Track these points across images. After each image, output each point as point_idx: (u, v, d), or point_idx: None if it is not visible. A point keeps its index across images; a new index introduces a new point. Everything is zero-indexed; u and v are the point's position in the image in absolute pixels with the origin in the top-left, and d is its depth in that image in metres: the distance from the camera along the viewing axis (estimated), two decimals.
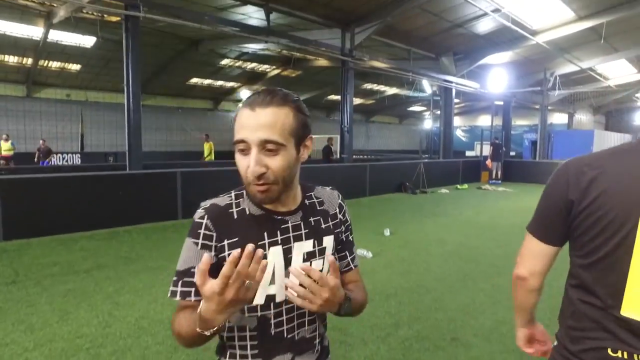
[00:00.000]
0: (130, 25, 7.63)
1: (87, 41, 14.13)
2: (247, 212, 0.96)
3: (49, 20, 11.97)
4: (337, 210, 1.10)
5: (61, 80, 18.30)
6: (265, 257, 0.86)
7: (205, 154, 15.64)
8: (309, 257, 0.99)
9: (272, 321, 0.96)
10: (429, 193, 12.06)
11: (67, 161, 17.79)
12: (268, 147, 0.85)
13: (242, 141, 0.86)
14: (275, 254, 0.94)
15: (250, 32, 10.48)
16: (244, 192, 0.97)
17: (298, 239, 0.98)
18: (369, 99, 27.49)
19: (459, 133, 35.12)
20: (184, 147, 22.26)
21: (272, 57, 17.45)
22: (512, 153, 22.96)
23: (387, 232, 6.58)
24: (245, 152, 0.87)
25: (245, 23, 11.22)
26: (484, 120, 31.54)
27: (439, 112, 17.67)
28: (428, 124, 30.67)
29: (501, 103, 20.17)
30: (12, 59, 15.62)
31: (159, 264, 4.91)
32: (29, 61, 15.86)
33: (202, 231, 0.91)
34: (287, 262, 0.96)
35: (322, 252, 1.02)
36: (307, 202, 1.04)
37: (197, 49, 15.29)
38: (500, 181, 15.26)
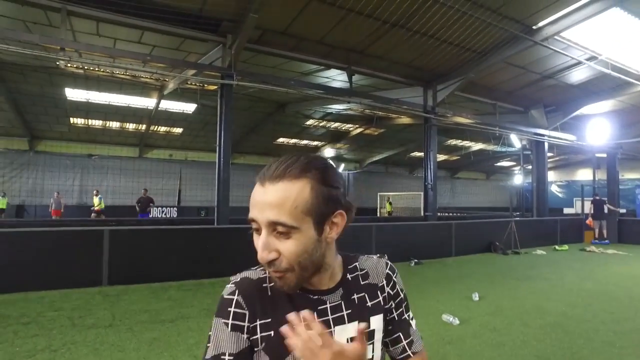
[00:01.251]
0: (225, 92, 8.47)
1: (189, 107, 15.92)
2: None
3: (160, 92, 13.82)
4: (385, 282, 0.94)
5: (166, 142, 20.67)
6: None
7: None
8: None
9: None
10: (522, 254, 11.00)
11: (165, 214, 19.58)
12: (278, 229, 0.73)
13: (253, 220, 0.76)
14: None
15: (334, 94, 11.01)
16: None
17: (339, 322, 0.84)
18: (454, 154, 26.77)
19: (554, 189, 32.29)
20: None
21: (355, 116, 18.02)
22: (623, 210, 20.34)
23: (475, 297, 6.04)
24: (259, 231, 0.76)
25: (329, 86, 11.84)
26: (584, 175, 28.83)
27: (530, 167, 16.51)
28: (518, 179, 28.71)
29: (604, 155, 18.29)
30: (131, 126, 18.19)
31: None
32: (142, 127, 18.28)
33: (232, 309, 0.79)
34: None
35: (370, 336, 0.88)
36: (349, 276, 0.90)
37: (284, 111, 16.38)
38: (608, 241, 13.49)
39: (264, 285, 0.83)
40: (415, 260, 9.16)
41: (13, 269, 5.84)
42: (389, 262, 0.98)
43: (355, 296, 0.88)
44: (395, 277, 0.96)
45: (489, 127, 13.67)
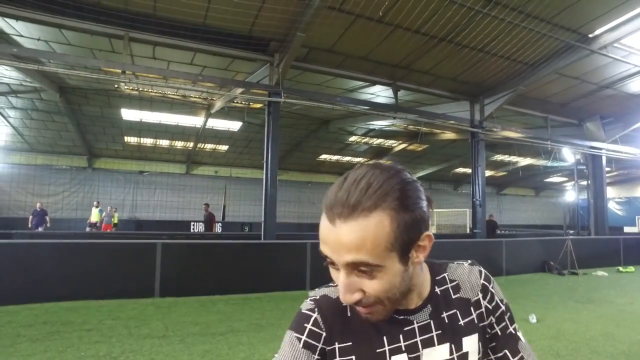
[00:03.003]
0: (272, 110, 8.67)
1: (235, 126, 16.41)
2: None
3: (208, 111, 14.36)
4: (481, 295, 0.82)
5: (212, 159, 21.37)
6: None
7: None
8: None
9: None
10: (580, 275, 10.31)
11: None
12: (360, 268, 0.65)
13: (326, 257, 0.68)
14: None
15: (380, 109, 11.00)
16: None
17: (428, 344, 0.75)
18: (500, 170, 25.86)
19: (612, 206, 30.26)
20: (313, 220, 23.32)
21: (398, 132, 17.88)
22: None
23: (532, 319, 5.70)
24: (335, 265, 0.68)
25: (374, 102, 11.85)
26: None
27: (584, 182, 15.61)
28: (571, 195, 27.20)
29: None
30: (179, 144, 18.99)
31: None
32: (190, 145, 19.02)
33: (309, 326, 0.73)
34: None
35: (463, 359, 0.77)
36: (438, 290, 0.80)
37: (327, 128, 16.53)
38: None
39: (345, 306, 0.75)
40: None
41: (77, 278, 6.17)
42: (483, 270, 0.86)
43: (445, 314, 0.78)
44: (492, 287, 0.84)
45: (539, 141, 13.11)
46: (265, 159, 8.68)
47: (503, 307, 0.85)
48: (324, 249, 0.66)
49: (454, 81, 10.86)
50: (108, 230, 15.93)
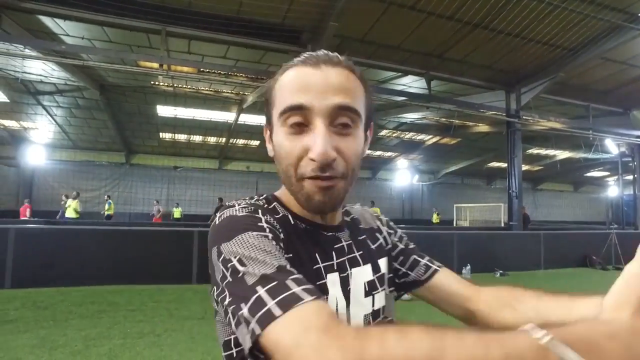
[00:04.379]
0: None
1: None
2: (292, 222, 0.67)
3: (240, 106, 14.59)
4: (379, 223, 0.85)
5: (244, 154, 21.71)
6: (325, 289, 0.64)
7: None
8: (370, 288, 0.72)
9: None
10: None
11: None
12: (341, 120, 0.60)
13: (301, 107, 0.60)
14: (333, 284, 0.66)
15: (414, 99, 10.85)
16: (269, 197, 0.71)
17: (355, 263, 0.71)
18: (536, 165, 25.00)
19: None
20: None
21: (430, 125, 17.61)
22: None
23: None
24: (301, 128, 0.60)
25: (407, 92, 11.72)
26: None
27: (631, 176, 14.88)
28: (614, 191, 25.99)
29: None
30: (212, 139, 19.40)
31: None
32: (223, 140, 19.40)
33: (264, 224, 0.59)
34: (346, 297, 0.67)
35: (381, 280, 0.75)
36: (346, 218, 0.78)
37: None
38: None
39: (277, 215, 0.66)
40: (501, 272, 8.61)
41: (120, 263, 6.44)
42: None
43: (359, 238, 0.76)
44: (383, 216, 0.90)
45: (580, 132, 12.59)
46: None
47: (400, 231, 0.88)
48: (302, 97, 0.59)
49: (489, 69, 10.57)
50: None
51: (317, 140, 0.58)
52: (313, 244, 0.66)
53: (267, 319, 0.45)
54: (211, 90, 13.20)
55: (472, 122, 15.43)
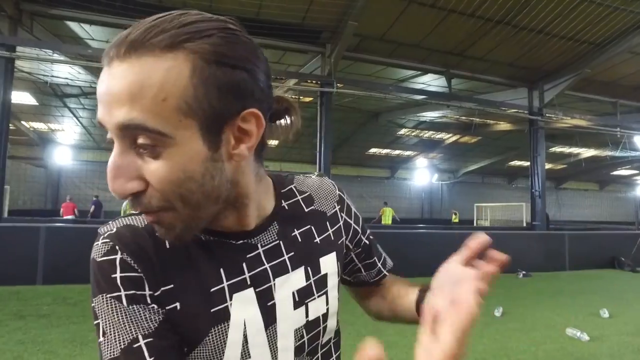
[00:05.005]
0: (324, 101, 8.74)
1: None
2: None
3: None
4: (338, 207, 0.71)
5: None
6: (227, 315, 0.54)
7: (385, 219, 16.95)
8: (301, 297, 0.61)
9: None
10: None
11: None
12: (140, 141, 0.44)
13: (102, 125, 0.46)
14: (243, 303, 0.55)
15: (433, 97, 10.75)
16: None
17: (280, 271, 0.59)
18: (559, 163, 24.41)
19: None
20: (362, 214, 23.11)
21: (450, 124, 17.40)
22: None
23: (604, 313, 5.35)
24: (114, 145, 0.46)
25: (427, 90, 11.61)
26: None
27: None
28: None
29: None
30: None
31: None
32: None
33: (117, 275, 0.50)
34: (268, 314, 0.57)
35: (321, 283, 0.64)
36: (285, 204, 0.64)
37: (377, 121, 16.39)
38: None
39: (155, 233, 0.52)
40: (524, 272, 8.45)
41: None
42: (336, 184, 0.74)
43: (296, 232, 0.63)
44: (347, 198, 0.74)
45: (607, 129, 12.23)
46: (317, 150, 8.77)
47: (360, 219, 0.76)
48: (99, 112, 0.45)
49: (510, 67, 10.38)
50: None
51: (108, 169, 0.45)
52: (217, 258, 0.55)
53: None
54: None
55: (493, 120, 15.16)
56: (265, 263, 0.58)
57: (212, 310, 0.53)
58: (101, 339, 0.49)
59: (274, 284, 0.58)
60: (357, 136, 18.66)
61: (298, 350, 0.60)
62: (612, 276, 8.98)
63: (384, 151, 22.07)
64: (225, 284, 0.54)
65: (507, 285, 7.22)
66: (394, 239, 8.26)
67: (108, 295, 0.49)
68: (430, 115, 15.38)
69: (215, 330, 0.53)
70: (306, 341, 0.61)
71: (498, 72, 10.77)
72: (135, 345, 0.48)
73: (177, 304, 0.52)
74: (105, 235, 0.53)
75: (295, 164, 22.51)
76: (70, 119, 16.83)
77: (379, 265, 0.78)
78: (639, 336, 4.51)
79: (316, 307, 0.62)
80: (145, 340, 0.48)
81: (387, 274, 0.79)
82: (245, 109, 0.48)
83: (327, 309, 0.64)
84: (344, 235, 0.71)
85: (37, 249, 6.11)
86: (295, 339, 0.59)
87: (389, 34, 8.80)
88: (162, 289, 0.51)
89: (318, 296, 0.63)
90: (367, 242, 0.76)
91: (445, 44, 9.31)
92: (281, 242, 0.61)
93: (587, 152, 21.67)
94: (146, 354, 0.47)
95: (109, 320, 0.49)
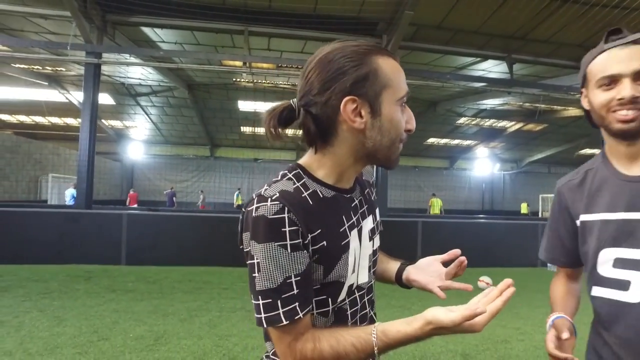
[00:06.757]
0: None
1: None
2: (321, 195, 0.78)
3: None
4: (373, 176, 1.02)
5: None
6: (346, 244, 0.80)
7: (433, 210, 17.00)
8: (372, 234, 0.89)
9: (349, 311, 0.84)
10: None
11: None
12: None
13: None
14: (354, 237, 0.81)
15: (493, 84, 10.41)
16: (300, 171, 0.80)
17: (363, 216, 0.87)
18: None
19: None
20: (419, 205, 22.83)
21: (512, 111, 16.63)
22: None
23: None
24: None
25: (487, 77, 11.25)
26: None
27: None
28: None
29: None
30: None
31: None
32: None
33: (287, 229, 0.70)
34: (361, 244, 0.84)
35: (377, 226, 0.94)
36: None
37: (435, 110, 16.07)
38: None
39: (303, 195, 0.75)
40: None
41: (212, 247, 7.09)
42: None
43: (366, 191, 0.92)
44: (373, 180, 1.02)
45: None
46: None
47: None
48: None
49: (580, 48, 9.72)
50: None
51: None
52: (339, 208, 0.80)
53: (260, 324, 0.72)
54: (289, 84, 13.74)
55: (560, 106, 14.30)
56: (359, 210, 0.86)
57: (342, 244, 0.79)
58: (256, 274, 0.71)
59: (362, 225, 0.86)
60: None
61: (369, 269, 0.90)
62: None
63: (443, 141, 21.56)
64: (346, 225, 0.80)
65: None
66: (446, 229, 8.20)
67: (276, 244, 0.70)
68: (491, 102, 14.83)
69: (344, 256, 0.79)
70: (372, 263, 0.91)
71: (566, 55, 10.14)
72: (289, 281, 0.71)
73: (324, 242, 0.75)
74: (274, 197, 0.72)
75: None
76: (142, 116, 18.21)
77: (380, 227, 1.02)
78: None
79: (377, 241, 0.94)
80: (296, 278, 0.71)
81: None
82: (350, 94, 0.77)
83: (378, 245, 0.95)
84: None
85: (121, 234, 6.84)
86: (369, 261, 0.89)
87: (446, 21, 8.63)
88: (314, 233, 0.74)
89: (377, 233, 0.94)
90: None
91: (506, 28, 8.95)
92: (362, 198, 0.89)
93: None
94: (295, 286, 0.71)
95: (271, 261, 0.70)
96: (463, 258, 0.91)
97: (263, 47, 10.09)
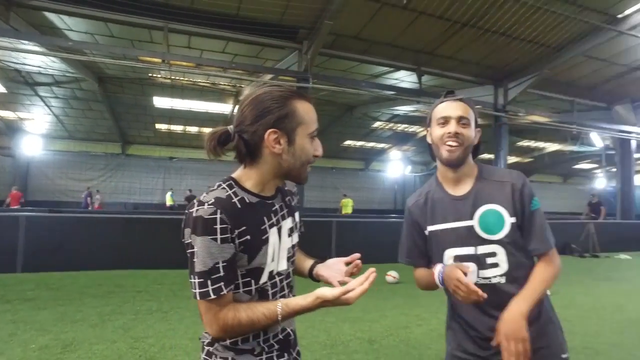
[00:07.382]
0: None
1: None
2: (247, 201, 1.00)
3: (236, 98, 14.84)
4: (296, 188, 1.24)
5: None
6: (266, 240, 1.02)
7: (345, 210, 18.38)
8: (290, 232, 1.12)
9: (270, 291, 1.05)
10: (601, 257, 10.39)
11: None
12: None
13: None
14: (273, 233, 1.04)
15: (404, 94, 11.22)
16: (232, 182, 1.03)
17: (283, 218, 1.09)
18: (526, 157, 25.50)
19: None
20: (336, 205, 23.44)
21: (422, 117, 17.93)
22: None
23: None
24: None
25: (398, 86, 12.07)
26: None
27: (615, 169, 15.40)
28: (601, 182, 26.66)
29: None
30: (208, 130, 19.43)
31: None
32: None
33: (218, 226, 0.92)
34: (280, 239, 1.07)
35: (296, 226, 1.17)
36: (280, 185, 1.13)
37: (352, 114, 16.78)
38: None
39: (233, 200, 0.98)
40: None
41: (123, 250, 6.77)
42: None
43: (286, 199, 1.15)
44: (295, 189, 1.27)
45: (565, 125, 13.04)
46: None
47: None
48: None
49: (477, 65, 10.96)
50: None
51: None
52: (261, 212, 1.02)
53: (195, 297, 0.94)
54: (208, 83, 13.46)
55: None
56: (279, 213, 1.08)
57: (262, 238, 1.01)
58: (195, 260, 0.93)
59: (282, 224, 1.08)
60: (332, 129, 19.01)
61: (288, 259, 1.13)
62: (563, 261, 9.68)
63: (359, 143, 22.55)
64: (267, 224, 1.03)
65: None
66: (364, 228, 8.74)
67: (210, 237, 0.92)
68: (403, 109, 15.90)
69: (264, 247, 1.01)
70: (291, 255, 1.14)
71: (466, 70, 11.33)
72: (217, 265, 0.93)
73: (248, 236, 0.97)
74: (209, 202, 0.94)
75: None
76: (41, 107, 16.49)
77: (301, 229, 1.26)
78: (569, 309, 5.07)
79: (295, 238, 1.16)
80: (223, 264, 0.94)
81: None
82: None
83: (297, 241, 1.19)
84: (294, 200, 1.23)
85: (17, 238, 6.24)
86: (288, 252, 1.12)
87: (363, 33, 9.18)
88: (240, 229, 0.96)
89: (296, 232, 1.17)
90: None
91: (416, 43, 9.77)
92: (283, 203, 1.11)
93: (551, 147, 22.79)
94: (221, 270, 0.93)
95: (205, 251, 0.92)
96: (359, 262, 1.18)
97: (183, 45, 9.82)
